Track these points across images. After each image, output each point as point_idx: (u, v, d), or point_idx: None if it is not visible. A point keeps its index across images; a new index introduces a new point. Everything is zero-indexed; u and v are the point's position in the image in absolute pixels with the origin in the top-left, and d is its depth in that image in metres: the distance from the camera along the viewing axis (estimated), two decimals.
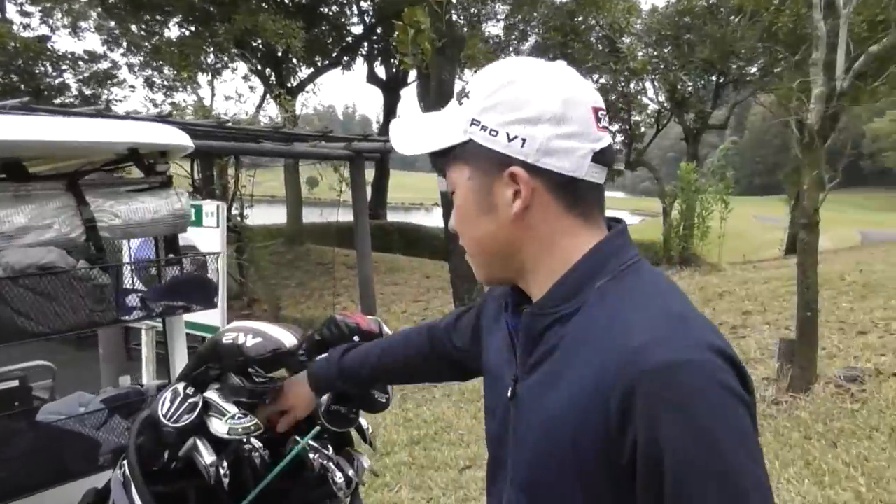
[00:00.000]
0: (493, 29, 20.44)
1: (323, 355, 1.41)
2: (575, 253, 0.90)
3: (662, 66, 17.69)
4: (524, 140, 0.86)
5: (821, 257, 5.22)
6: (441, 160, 0.95)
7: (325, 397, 1.46)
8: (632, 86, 19.22)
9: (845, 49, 4.91)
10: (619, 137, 20.99)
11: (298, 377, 1.42)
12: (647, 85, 19.25)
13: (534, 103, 0.86)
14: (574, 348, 0.85)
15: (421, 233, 24.77)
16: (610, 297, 0.86)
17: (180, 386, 1.35)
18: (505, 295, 1.03)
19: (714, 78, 18.67)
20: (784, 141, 33.58)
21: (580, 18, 18.26)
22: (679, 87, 17.58)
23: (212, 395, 1.34)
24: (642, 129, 20.31)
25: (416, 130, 0.99)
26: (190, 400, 1.33)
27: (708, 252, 12.59)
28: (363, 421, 1.55)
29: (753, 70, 18.90)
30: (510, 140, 0.87)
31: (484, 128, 0.88)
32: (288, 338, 1.37)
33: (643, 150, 20.30)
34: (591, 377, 0.81)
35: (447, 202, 6.60)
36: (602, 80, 18.30)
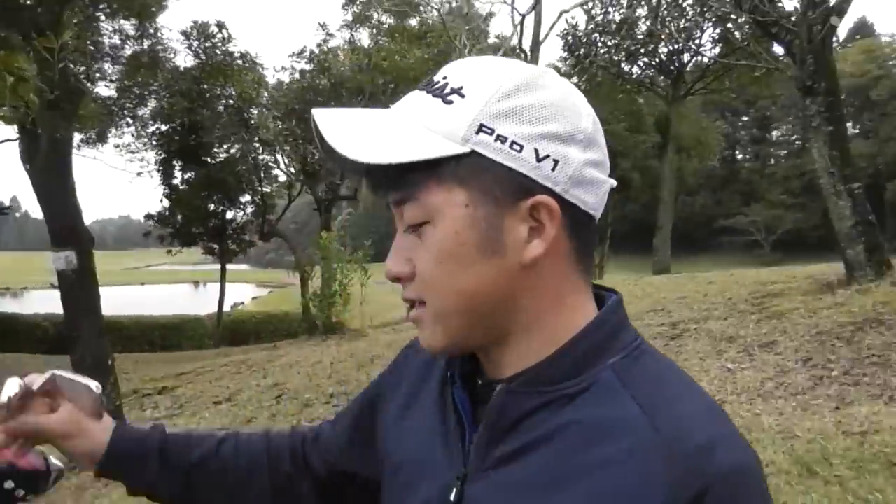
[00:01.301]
0: (105, 90, 18.73)
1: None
2: (580, 317, 0.70)
3: (292, 139, 17.92)
4: (556, 162, 0.65)
5: None
6: (413, 176, 0.66)
7: None
8: (263, 157, 19.16)
9: None
10: (250, 209, 20.71)
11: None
12: (279, 156, 19.35)
13: (567, 117, 0.66)
14: (584, 443, 0.64)
15: (15, 323, 21.33)
16: (634, 380, 0.66)
17: None
18: (438, 363, 0.80)
19: None
20: None
21: (206, 86, 17.71)
22: (309, 159, 17.94)
23: None
24: (275, 200, 20.31)
25: (368, 128, 0.68)
26: None
27: (350, 319, 12.81)
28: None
29: None
30: (539, 160, 0.65)
31: (501, 138, 0.64)
32: None
33: (277, 221, 20.25)
34: (625, 483, 0.60)
35: (67, 283, 5.53)
36: (233, 150, 17.89)
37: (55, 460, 1.04)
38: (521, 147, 0.64)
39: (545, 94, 0.67)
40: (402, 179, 0.66)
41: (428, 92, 0.69)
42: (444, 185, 0.66)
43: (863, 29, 62.58)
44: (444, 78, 0.68)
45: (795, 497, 3.16)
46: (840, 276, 6.58)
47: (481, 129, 0.64)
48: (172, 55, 18.64)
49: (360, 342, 10.67)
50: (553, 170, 0.65)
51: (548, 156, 0.65)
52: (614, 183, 0.72)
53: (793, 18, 7.01)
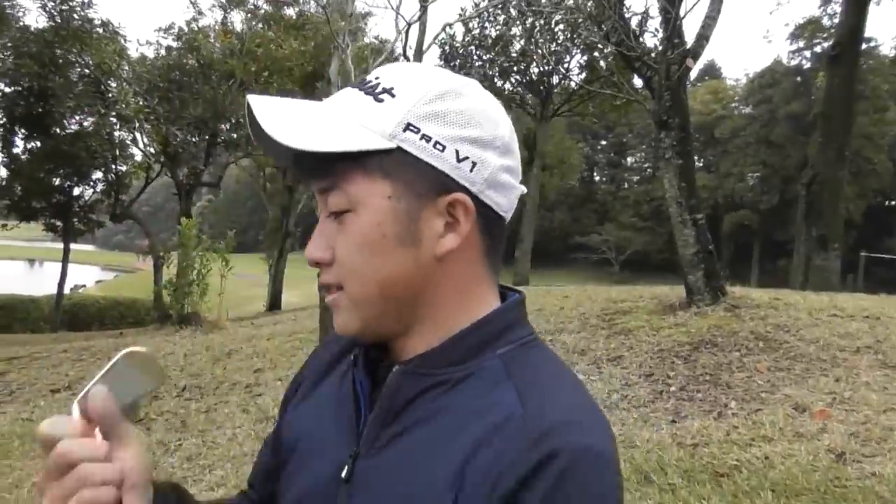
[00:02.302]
0: None
1: None
2: (482, 308, 0.76)
3: (153, 118, 16.94)
4: (474, 164, 0.72)
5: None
6: (341, 166, 0.70)
7: None
8: (120, 133, 17.98)
9: None
10: (101, 187, 19.36)
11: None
12: (137, 134, 18.22)
13: (486, 124, 0.73)
14: (464, 421, 0.69)
15: None
16: (518, 369, 0.72)
17: None
18: (348, 346, 0.84)
19: (206, 136, 18.67)
20: (260, 202, 35.64)
21: (60, 51, 16.37)
22: (172, 140, 17.03)
23: None
24: (131, 181, 19.10)
25: (301, 118, 0.72)
26: None
27: (208, 310, 12.31)
28: None
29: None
30: (459, 161, 0.71)
31: (426, 137, 0.70)
32: None
33: (131, 203, 19.08)
34: (492, 453, 0.66)
35: None
36: (86, 123, 16.65)
37: None
38: (444, 147, 0.70)
39: (469, 101, 0.73)
40: (329, 168, 0.71)
41: (361, 90, 0.73)
42: (369, 177, 0.70)
43: (711, 71, 67.99)
44: (377, 78, 0.74)
45: (634, 503, 3.40)
46: (681, 299, 7.12)
47: (408, 127, 0.70)
48: (22, 14, 17.14)
49: (217, 335, 10.28)
50: (471, 171, 0.71)
51: (467, 157, 0.71)
52: (525, 189, 0.79)
53: (654, 55, 7.54)
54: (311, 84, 17.23)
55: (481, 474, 0.66)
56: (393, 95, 0.71)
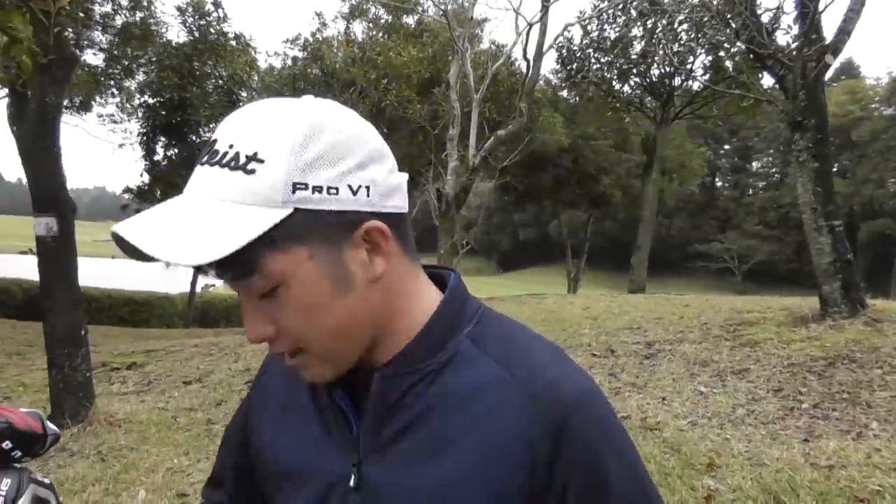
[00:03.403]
0: (93, 59, 18.42)
1: None
2: (429, 301, 0.80)
3: None
4: (367, 188, 0.71)
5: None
6: (247, 254, 0.65)
7: None
8: None
9: (476, 130, 5.37)
10: None
11: None
12: None
13: (357, 145, 0.71)
14: (460, 405, 0.74)
15: None
16: (488, 343, 0.78)
17: None
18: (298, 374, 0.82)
19: None
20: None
21: (197, 63, 17.52)
22: None
23: None
24: None
25: (181, 226, 0.66)
26: None
27: None
28: None
29: None
30: (355, 193, 0.70)
31: (317, 188, 0.68)
32: None
33: None
34: (502, 430, 0.72)
35: (46, 249, 5.44)
36: None
37: (51, 425, 1.02)
38: (337, 189, 0.69)
39: (332, 134, 0.69)
40: (236, 261, 0.65)
41: (220, 166, 0.68)
42: (283, 250, 0.68)
43: (849, 70, 63.76)
44: (231, 146, 0.68)
45: None
46: (814, 311, 6.68)
47: (295, 188, 0.67)
48: (165, 29, 18.43)
49: None
50: (367, 195, 0.71)
51: (360, 186, 0.70)
52: (407, 175, 0.78)
53: (788, 52, 7.12)
54: (428, 90, 17.50)
55: (496, 444, 0.72)
56: (261, 161, 0.66)
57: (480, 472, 0.72)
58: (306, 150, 0.67)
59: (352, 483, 0.77)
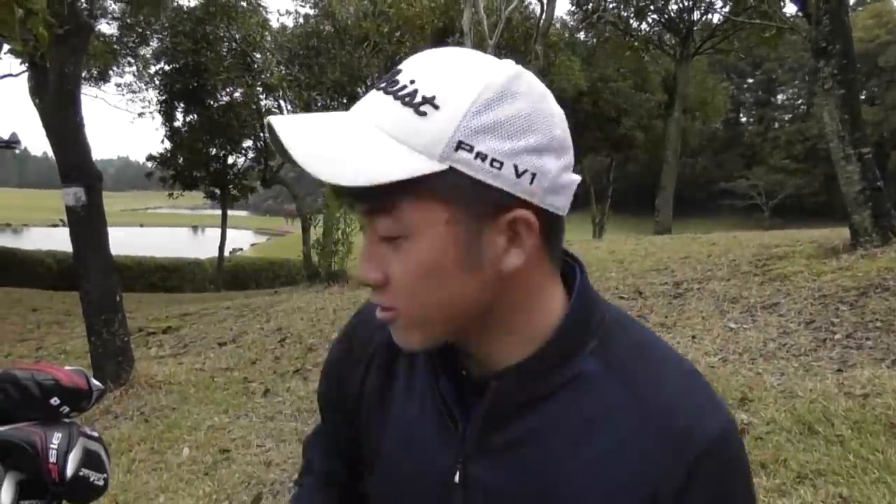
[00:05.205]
0: (107, 28, 18.40)
1: None
2: (555, 306, 0.73)
3: (296, 85, 17.68)
4: (534, 175, 0.64)
5: None
6: (388, 192, 0.61)
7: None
8: (266, 102, 18.93)
9: None
10: (252, 154, 20.56)
11: None
12: (282, 102, 19.13)
13: (542, 126, 0.65)
14: (580, 433, 0.70)
15: (17, 258, 21.37)
16: (616, 360, 0.71)
17: None
18: (401, 352, 0.80)
19: (345, 100, 19.29)
20: None
21: (210, 27, 17.40)
22: (312, 106, 17.73)
23: None
24: None
25: (336, 144, 0.63)
26: None
27: (353, 268, 12.86)
28: None
29: None
30: (519, 175, 0.64)
31: (481, 156, 0.62)
32: None
33: (279, 168, 20.14)
34: (625, 464, 0.67)
35: (76, 219, 5.53)
36: (236, 95, 17.67)
37: (95, 381, 1.06)
38: (501, 164, 0.63)
39: (521, 104, 0.64)
40: (374, 195, 0.62)
41: (395, 97, 0.64)
42: (423, 203, 0.64)
43: None
44: (412, 82, 0.64)
45: (797, 454, 3.23)
46: (845, 242, 6.60)
47: (460, 146, 0.62)
48: None
49: (363, 291, 10.72)
50: (531, 183, 0.64)
51: (526, 170, 0.64)
52: (579, 178, 0.72)
53: None
54: (442, 39, 17.26)
55: (619, 480, 0.67)
56: (437, 107, 0.62)
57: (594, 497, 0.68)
58: (485, 113, 0.62)
59: (455, 479, 0.75)
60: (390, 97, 0.64)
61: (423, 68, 0.65)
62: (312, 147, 0.62)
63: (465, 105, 0.62)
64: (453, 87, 0.63)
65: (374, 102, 0.65)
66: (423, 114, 0.62)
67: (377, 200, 0.64)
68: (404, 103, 0.63)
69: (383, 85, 0.66)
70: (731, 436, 0.69)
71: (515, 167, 0.63)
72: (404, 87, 0.64)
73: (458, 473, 0.74)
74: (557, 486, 0.70)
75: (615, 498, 0.67)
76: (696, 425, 0.67)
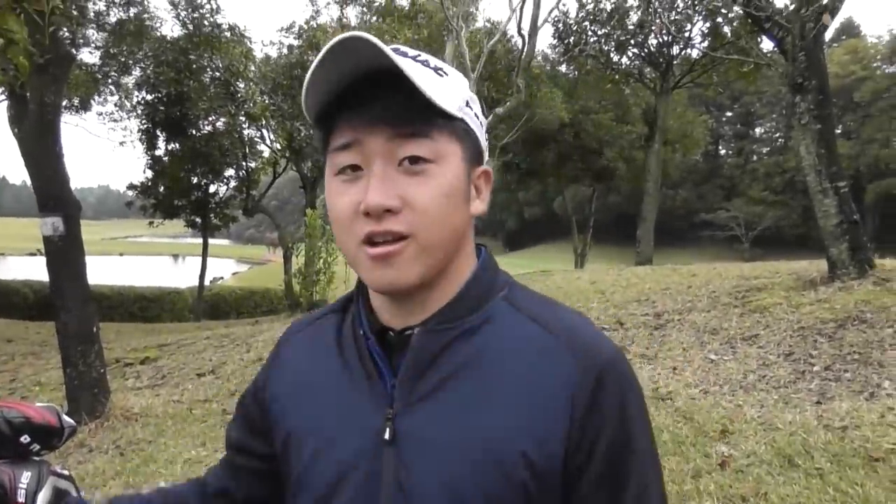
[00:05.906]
0: (89, 57, 18.37)
1: None
2: (473, 263, 0.86)
3: (279, 114, 17.71)
4: (486, 137, 0.86)
5: None
6: (438, 121, 0.76)
7: None
8: (249, 131, 18.93)
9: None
10: (233, 183, 20.48)
11: None
12: (265, 132, 19.15)
13: (476, 100, 0.86)
14: (501, 362, 0.78)
15: None
16: (523, 305, 0.84)
17: None
18: (324, 349, 0.89)
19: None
20: None
21: (193, 57, 17.43)
22: (295, 135, 17.76)
23: None
24: (259, 176, 20.10)
25: (425, 75, 0.77)
26: None
27: (333, 297, 12.80)
28: None
29: None
30: (487, 134, 0.86)
31: (476, 115, 0.83)
32: None
33: (261, 197, 20.09)
34: (545, 383, 0.76)
35: (53, 249, 5.46)
36: (218, 124, 17.65)
37: (67, 418, 1.04)
38: (482, 123, 0.84)
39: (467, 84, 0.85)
40: (427, 120, 0.75)
41: (414, 60, 0.77)
42: (452, 138, 0.78)
43: (849, 29, 63.06)
44: (419, 55, 0.79)
45: (777, 487, 3.22)
46: (823, 274, 6.67)
47: (467, 103, 0.80)
48: (159, 24, 18.33)
49: None
50: (485, 143, 0.85)
51: (486, 132, 0.85)
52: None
53: (786, 14, 7.04)
54: None
55: (542, 393, 0.76)
56: (445, 74, 0.79)
57: (524, 422, 0.75)
58: (469, 87, 0.84)
59: (386, 436, 0.78)
60: (411, 60, 0.77)
61: (422, 53, 0.80)
62: (418, 75, 0.72)
63: (460, 76, 0.82)
64: (444, 64, 0.83)
65: (404, 62, 0.73)
66: (441, 76, 0.78)
67: (427, 124, 0.75)
68: (424, 65, 0.78)
69: (407, 55, 0.77)
70: (624, 358, 0.81)
71: (482, 126, 0.85)
72: (417, 55, 0.79)
73: (387, 430, 0.78)
74: (485, 411, 0.76)
75: (540, 410, 0.75)
76: (597, 344, 0.80)
